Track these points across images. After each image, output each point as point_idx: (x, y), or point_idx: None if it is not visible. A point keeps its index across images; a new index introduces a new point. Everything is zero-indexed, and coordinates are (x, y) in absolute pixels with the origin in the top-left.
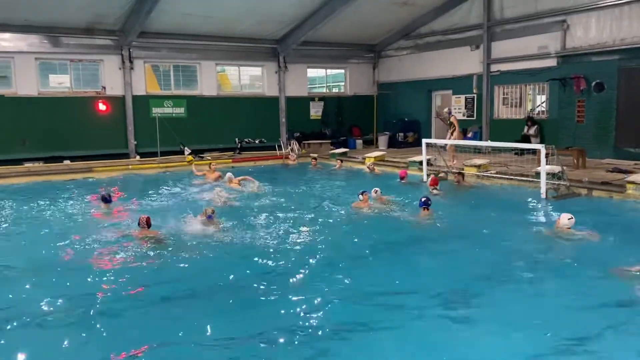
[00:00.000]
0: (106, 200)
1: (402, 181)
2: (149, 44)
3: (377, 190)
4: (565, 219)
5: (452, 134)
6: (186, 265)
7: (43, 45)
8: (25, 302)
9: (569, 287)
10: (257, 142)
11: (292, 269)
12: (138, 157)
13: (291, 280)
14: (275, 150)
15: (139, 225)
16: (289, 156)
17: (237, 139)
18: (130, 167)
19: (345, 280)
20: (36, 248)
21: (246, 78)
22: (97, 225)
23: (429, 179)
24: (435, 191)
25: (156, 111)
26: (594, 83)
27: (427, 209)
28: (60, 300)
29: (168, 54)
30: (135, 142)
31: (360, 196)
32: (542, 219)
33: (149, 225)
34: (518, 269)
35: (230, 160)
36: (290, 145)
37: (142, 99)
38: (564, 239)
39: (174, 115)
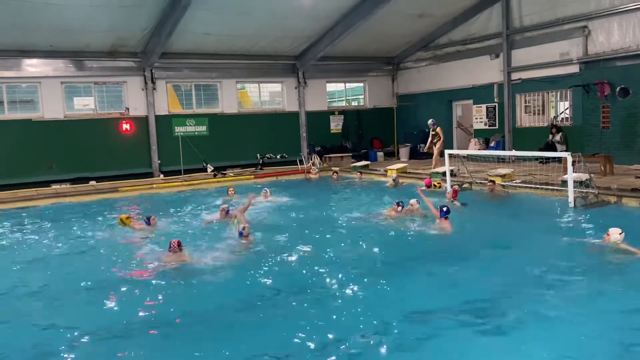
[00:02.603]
0: (146, 222)
1: (428, 190)
2: (170, 65)
3: (416, 201)
4: (616, 234)
5: (435, 144)
6: (219, 288)
7: (68, 69)
8: (48, 325)
9: (614, 305)
10: (278, 157)
11: (319, 285)
12: (162, 176)
13: (318, 295)
14: (297, 164)
15: (169, 250)
16: (311, 170)
17: (258, 155)
18: (154, 186)
19: (373, 294)
20: (66, 270)
21: (266, 94)
22: (127, 248)
23: (450, 191)
24: (456, 203)
25: (179, 130)
26: (618, 88)
27: (447, 219)
28: (79, 323)
29: (189, 73)
30: (159, 161)
31: (395, 206)
32: (575, 229)
33: (180, 248)
34: (560, 282)
35: (253, 176)
36: (311, 159)
37: (165, 119)
38: (610, 252)
39: (196, 133)
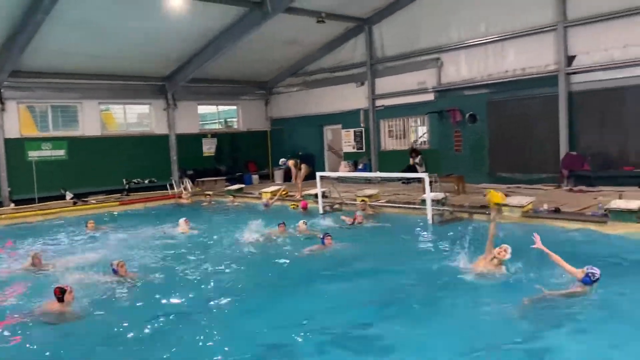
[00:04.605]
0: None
1: (304, 211)
2: (23, 84)
3: (302, 222)
4: (507, 254)
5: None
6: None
7: None
8: None
9: (482, 322)
10: (146, 182)
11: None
12: (13, 205)
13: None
14: (167, 189)
15: (56, 298)
16: (182, 195)
17: (124, 180)
18: (3, 216)
19: (250, 318)
20: None
21: (133, 116)
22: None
23: (360, 213)
24: (361, 221)
25: (32, 155)
26: (467, 115)
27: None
28: None
29: (45, 93)
30: (10, 189)
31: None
32: (431, 245)
33: (69, 296)
34: (427, 301)
35: (118, 202)
36: (182, 183)
37: (16, 142)
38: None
39: (53, 158)
